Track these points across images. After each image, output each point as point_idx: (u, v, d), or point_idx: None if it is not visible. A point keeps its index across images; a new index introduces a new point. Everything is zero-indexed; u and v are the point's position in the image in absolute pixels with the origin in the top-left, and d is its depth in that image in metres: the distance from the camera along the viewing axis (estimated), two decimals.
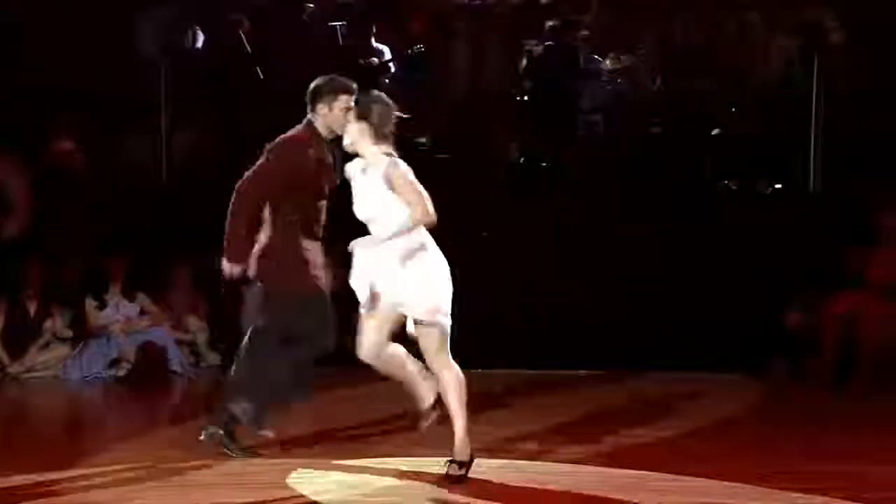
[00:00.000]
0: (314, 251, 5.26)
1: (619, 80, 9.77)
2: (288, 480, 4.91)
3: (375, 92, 5.01)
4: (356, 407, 6.78)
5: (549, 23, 9.88)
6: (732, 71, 9.39)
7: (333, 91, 5.24)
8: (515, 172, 9.54)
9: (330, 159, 5.29)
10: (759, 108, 9.17)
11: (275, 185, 5.20)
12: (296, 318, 5.20)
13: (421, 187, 4.84)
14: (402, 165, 4.87)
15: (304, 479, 4.92)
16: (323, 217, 5.31)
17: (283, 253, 5.22)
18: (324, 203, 5.31)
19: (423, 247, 4.83)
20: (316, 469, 5.09)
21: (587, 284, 8.45)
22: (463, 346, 8.10)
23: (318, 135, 5.27)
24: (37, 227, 8.63)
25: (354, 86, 5.26)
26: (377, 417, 6.34)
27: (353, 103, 5.11)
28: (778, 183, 8.94)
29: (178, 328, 8.82)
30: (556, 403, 7.12)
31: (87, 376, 8.34)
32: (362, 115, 4.88)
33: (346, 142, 4.96)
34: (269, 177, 5.20)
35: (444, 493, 4.72)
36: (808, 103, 8.82)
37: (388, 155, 4.87)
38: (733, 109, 9.17)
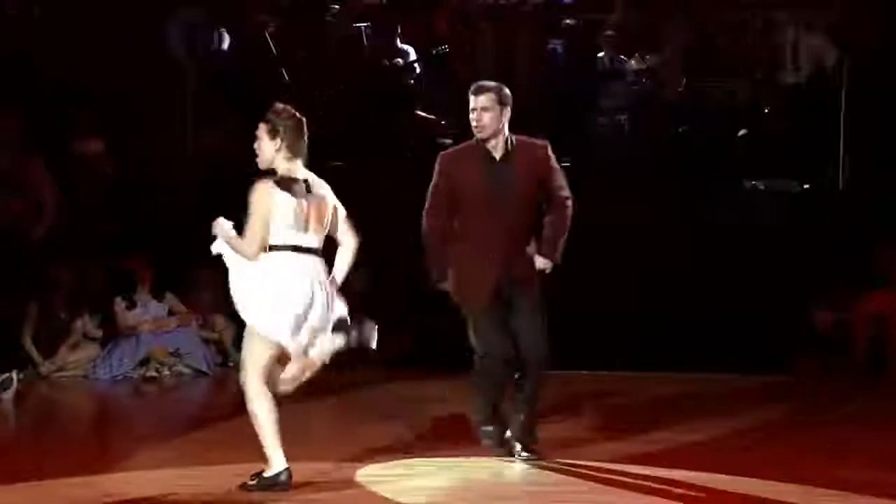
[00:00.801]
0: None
1: (644, 80, 9.75)
2: (316, 480, 4.90)
3: (280, 106, 4.71)
4: (390, 406, 6.82)
5: (574, 22, 9.87)
6: (760, 70, 9.36)
7: None
8: None
9: (485, 170, 5.07)
10: (787, 108, 9.13)
11: (438, 195, 5.14)
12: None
13: (260, 220, 4.56)
14: (262, 188, 4.60)
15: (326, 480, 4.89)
16: (495, 230, 5.05)
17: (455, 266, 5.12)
18: (492, 216, 5.04)
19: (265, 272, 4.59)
20: (339, 469, 5.08)
21: (613, 284, 8.44)
22: None
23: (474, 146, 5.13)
24: (65, 228, 8.68)
25: (476, 85, 5.10)
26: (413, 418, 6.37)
27: (480, 103, 5.01)
28: (806, 182, 8.90)
29: (205, 327, 8.86)
30: (578, 405, 7.10)
31: (116, 376, 8.39)
32: (273, 133, 4.67)
33: (260, 163, 4.73)
34: (433, 188, 5.17)
35: (482, 494, 4.72)
36: (836, 102, 8.80)
37: (288, 178, 4.61)
38: (766, 111, 9.12)
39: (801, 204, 8.78)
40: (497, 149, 5.12)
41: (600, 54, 9.90)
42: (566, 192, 5.20)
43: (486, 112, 5.06)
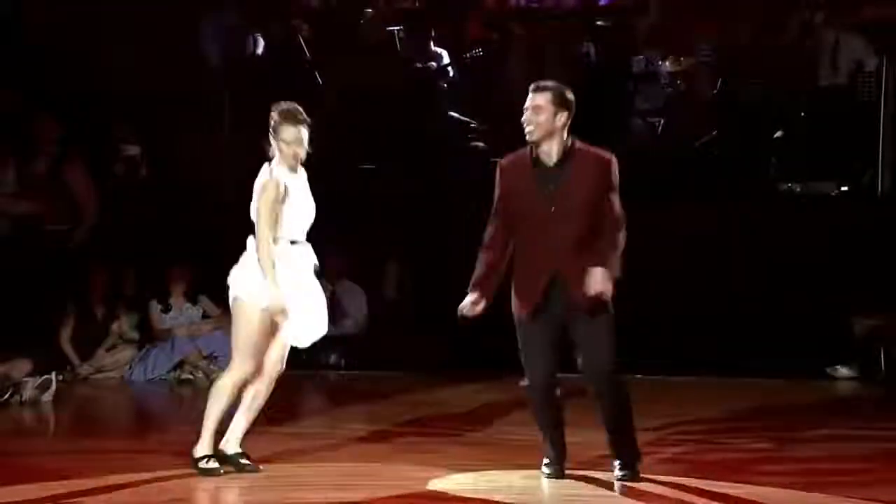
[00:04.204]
0: None
1: (678, 82, 9.70)
2: (337, 482, 4.91)
3: (286, 105, 5.02)
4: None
5: (608, 24, 9.85)
6: (797, 72, 9.28)
7: None
8: None
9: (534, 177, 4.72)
10: (824, 110, 9.04)
11: (495, 210, 4.90)
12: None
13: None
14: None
15: (349, 483, 4.90)
16: (544, 244, 4.69)
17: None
18: (541, 227, 4.71)
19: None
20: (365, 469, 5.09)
21: (647, 288, 8.38)
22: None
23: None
24: (103, 232, 8.77)
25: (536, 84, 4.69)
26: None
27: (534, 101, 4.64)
28: (844, 185, 8.79)
29: None
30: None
31: (151, 378, 8.47)
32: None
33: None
34: (495, 202, 4.93)
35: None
36: (875, 104, 8.69)
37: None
38: (803, 113, 9.03)
39: (839, 207, 8.68)
40: (551, 154, 4.68)
41: (635, 57, 9.86)
42: (618, 212, 4.70)
43: (540, 112, 4.64)
